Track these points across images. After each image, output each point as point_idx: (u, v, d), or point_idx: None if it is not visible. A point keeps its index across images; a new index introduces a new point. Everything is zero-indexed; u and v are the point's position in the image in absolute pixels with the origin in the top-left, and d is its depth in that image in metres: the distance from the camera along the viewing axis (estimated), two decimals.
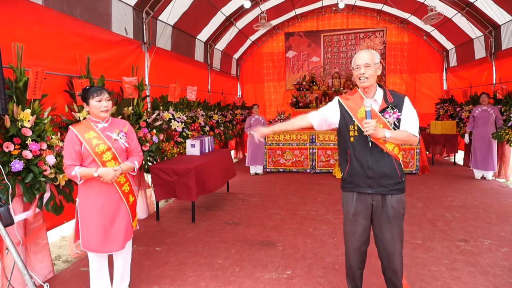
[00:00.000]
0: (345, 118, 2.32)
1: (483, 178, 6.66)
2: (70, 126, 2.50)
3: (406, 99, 2.28)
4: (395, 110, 2.22)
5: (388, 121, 2.22)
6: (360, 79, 2.24)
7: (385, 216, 2.26)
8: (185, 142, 5.44)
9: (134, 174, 2.67)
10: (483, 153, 6.44)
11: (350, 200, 2.35)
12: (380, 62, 2.33)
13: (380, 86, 2.33)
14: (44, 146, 2.93)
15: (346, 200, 2.38)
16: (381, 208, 2.27)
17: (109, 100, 2.52)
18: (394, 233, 2.28)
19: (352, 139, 2.28)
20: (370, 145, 2.22)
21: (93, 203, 2.49)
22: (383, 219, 2.27)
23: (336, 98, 2.43)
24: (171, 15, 5.73)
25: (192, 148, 5.26)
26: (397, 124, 2.22)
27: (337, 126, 2.40)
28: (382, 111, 2.24)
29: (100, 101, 2.47)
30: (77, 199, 2.55)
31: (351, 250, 2.40)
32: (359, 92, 2.33)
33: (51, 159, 2.92)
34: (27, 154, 2.77)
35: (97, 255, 2.57)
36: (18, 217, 2.86)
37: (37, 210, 2.99)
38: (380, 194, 2.26)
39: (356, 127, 2.26)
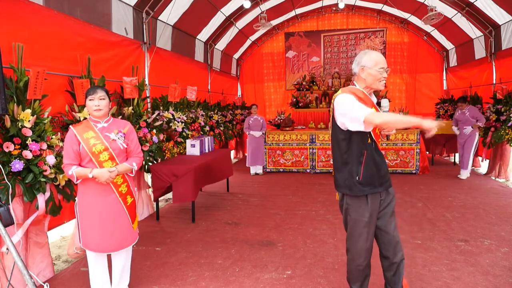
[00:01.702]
0: None
1: (454, 175, 6.94)
2: (70, 126, 2.51)
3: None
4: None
5: None
6: (381, 81, 2.25)
7: (389, 209, 2.37)
8: (185, 142, 5.44)
9: (132, 175, 2.65)
10: (461, 152, 6.74)
11: (363, 203, 2.28)
12: None
13: None
14: (44, 146, 2.93)
15: (358, 205, 2.29)
16: (387, 201, 2.36)
17: (102, 99, 2.50)
18: (395, 223, 2.41)
19: (369, 139, 2.25)
20: (373, 146, 2.27)
21: (90, 202, 2.50)
22: (388, 212, 2.36)
23: (351, 96, 2.19)
24: (171, 15, 5.73)
25: (192, 148, 5.26)
26: None
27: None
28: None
29: (92, 100, 2.48)
30: (76, 198, 2.56)
31: (366, 252, 2.34)
32: (365, 92, 2.28)
33: (51, 159, 2.92)
34: (27, 154, 2.77)
35: (95, 254, 2.58)
36: (25, 225, 2.88)
37: (36, 214, 2.99)
38: (386, 189, 2.34)
39: None
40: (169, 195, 5.75)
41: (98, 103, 2.48)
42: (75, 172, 2.41)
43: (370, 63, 2.24)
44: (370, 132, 2.22)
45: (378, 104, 2.38)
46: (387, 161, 6.85)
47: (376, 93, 2.32)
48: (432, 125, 1.92)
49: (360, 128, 2.12)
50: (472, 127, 6.43)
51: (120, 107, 4.39)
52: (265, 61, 10.50)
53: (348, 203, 2.34)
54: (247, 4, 7.10)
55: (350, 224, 2.36)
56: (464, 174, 6.69)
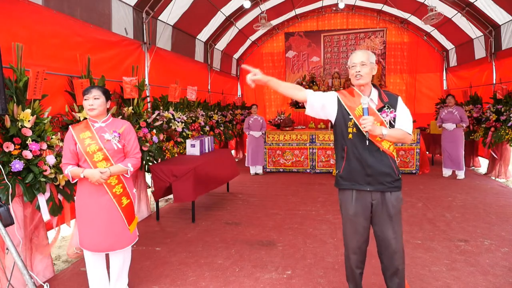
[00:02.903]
0: (343, 114, 2.32)
1: (452, 176, 6.86)
2: (69, 126, 2.52)
3: (399, 99, 2.34)
4: (391, 110, 2.27)
5: (385, 120, 2.27)
6: (356, 77, 2.27)
7: (386, 214, 2.28)
8: (185, 142, 5.44)
9: (128, 176, 2.63)
10: (452, 153, 6.71)
11: (349, 199, 2.34)
12: (379, 62, 2.34)
13: (374, 86, 2.37)
14: (44, 146, 2.93)
15: (345, 199, 2.37)
16: (381, 206, 2.28)
17: (97, 98, 2.49)
18: (396, 231, 2.30)
19: (350, 135, 2.30)
20: (367, 144, 2.25)
21: (84, 202, 2.51)
22: (384, 218, 2.28)
23: (335, 94, 2.37)
24: (171, 15, 5.73)
25: (192, 148, 5.26)
26: (393, 123, 2.28)
27: (332, 119, 2.39)
28: (380, 110, 2.29)
29: (87, 99, 2.49)
30: (75, 197, 2.57)
31: (351, 250, 2.40)
32: (356, 90, 2.35)
33: (51, 159, 2.92)
34: (27, 154, 2.77)
35: (92, 254, 2.58)
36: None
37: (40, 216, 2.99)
38: (380, 191, 2.27)
39: (353, 124, 2.28)
40: (170, 195, 5.74)
41: (92, 102, 2.48)
42: (70, 171, 2.44)
43: (348, 63, 2.37)
44: (353, 128, 2.27)
45: (389, 106, 2.30)
46: None
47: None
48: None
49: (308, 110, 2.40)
50: (456, 126, 6.52)
51: (120, 107, 4.39)
52: (265, 61, 10.50)
53: (340, 199, 2.43)
54: (247, 4, 7.10)
55: (342, 221, 2.45)
56: (462, 174, 6.73)
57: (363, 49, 2.37)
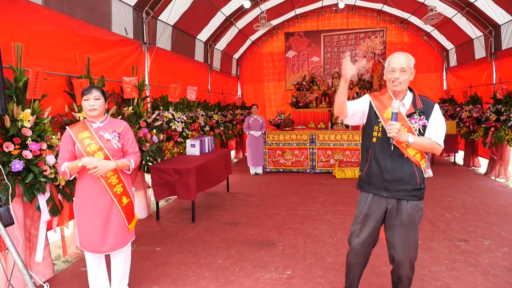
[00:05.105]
0: (372, 116, 2.29)
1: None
2: (67, 126, 2.53)
3: (436, 107, 2.21)
4: (421, 117, 2.17)
5: (413, 127, 2.18)
6: (393, 83, 2.19)
7: (399, 221, 2.23)
8: (185, 142, 5.44)
9: (129, 173, 2.63)
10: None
11: (364, 200, 2.33)
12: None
13: (410, 90, 2.28)
14: (44, 146, 2.93)
15: (361, 200, 2.36)
16: (395, 212, 2.23)
17: (97, 99, 2.49)
18: (407, 240, 2.22)
19: (374, 139, 2.26)
20: (392, 149, 2.19)
21: (84, 202, 2.51)
22: (396, 224, 2.23)
23: (367, 96, 2.34)
24: (171, 15, 5.73)
25: (192, 148, 5.26)
26: (422, 131, 2.18)
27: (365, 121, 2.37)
28: (409, 115, 2.20)
29: (87, 100, 2.48)
30: (73, 198, 2.56)
31: (354, 249, 2.38)
32: (389, 92, 2.28)
33: (51, 159, 2.92)
34: (27, 154, 2.77)
35: (92, 254, 2.58)
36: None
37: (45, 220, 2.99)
38: (396, 198, 2.22)
39: (380, 128, 2.23)
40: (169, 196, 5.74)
41: (92, 103, 2.48)
42: (66, 167, 2.40)
43: (386, 65, 2.27)
44: (379, 132, 2.24)
45: (420, 113, 2.20)
46: None
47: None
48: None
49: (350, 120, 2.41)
50: None
51: (120, 107, 4.38)
52: (265, 61, 10.50)
53: (358, 199, 2.42)
54: (247, 4, 7.10)
55: (354, 218, 2.43)
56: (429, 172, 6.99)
57: (404, 53, 2.23)
